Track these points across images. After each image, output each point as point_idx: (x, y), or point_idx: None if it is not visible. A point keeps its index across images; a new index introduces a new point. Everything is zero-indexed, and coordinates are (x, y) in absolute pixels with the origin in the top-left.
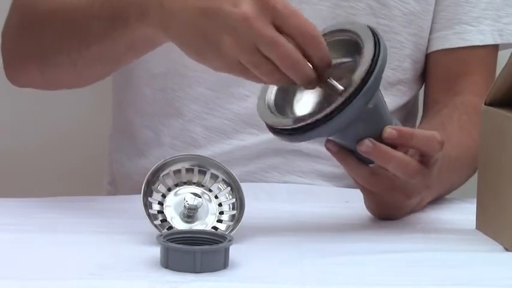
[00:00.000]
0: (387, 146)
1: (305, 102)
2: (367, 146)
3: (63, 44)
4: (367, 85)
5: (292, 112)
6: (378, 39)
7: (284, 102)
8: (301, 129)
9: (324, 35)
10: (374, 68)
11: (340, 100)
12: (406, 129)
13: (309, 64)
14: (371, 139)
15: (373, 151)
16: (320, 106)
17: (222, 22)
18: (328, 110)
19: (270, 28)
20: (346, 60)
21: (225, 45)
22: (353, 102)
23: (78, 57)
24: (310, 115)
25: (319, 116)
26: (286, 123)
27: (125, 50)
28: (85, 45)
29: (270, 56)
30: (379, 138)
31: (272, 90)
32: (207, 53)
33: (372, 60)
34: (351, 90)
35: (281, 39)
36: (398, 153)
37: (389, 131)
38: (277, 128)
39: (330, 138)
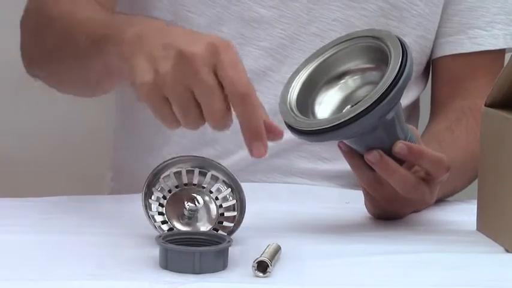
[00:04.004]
0: (394, 158)
1: (326, 105)
2: (374, 156)
3: (55, 52)
4: (389, 97)
5: (313, 112)
6: (406, 51)
7: (306, 102)
8: (319, 132)
9: (351, 39)
10: (398, 81)
11: (359, 109)
12: (417, 147)
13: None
14: (380, 151)
15: (379, 163)
16: (340, 110)
17: (172, 55)
18: (347, 117)
19: (211, 76)
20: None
21: (163, 68)
22: (372, 112)
23: (63, 68)
24: (329, 119)
25: (337, 121)
26: (304, 125)
27: (101, 73)
28: (71, 57)
29: (200, 100)
30: (389, 149)
31: (295, 91)
32: (143, 72)
33: (398, 72)
34: (373, 99)
35: (217, 90)
36: (402, 170)
37: (400, 146)
38: (296, 127)
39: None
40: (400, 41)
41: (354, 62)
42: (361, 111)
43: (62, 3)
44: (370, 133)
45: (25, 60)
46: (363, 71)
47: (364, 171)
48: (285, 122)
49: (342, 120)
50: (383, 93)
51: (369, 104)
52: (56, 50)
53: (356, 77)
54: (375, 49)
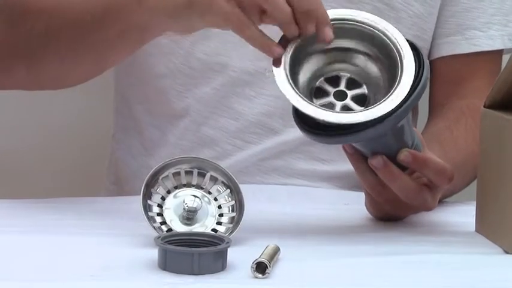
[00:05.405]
0: (398, 165)
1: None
2: (378, 162)
3: (53, 38)
4: (405, 105)
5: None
6: (421, 55)
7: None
8: (330, 134)
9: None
10: (415, 90)
11: (375, 115)
12: (422, 156)
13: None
14: (384, 156)
15: (382, 168)
16: (312, 80)
17: None
18: (362, 119)
19: None
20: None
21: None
22: (386, 121)
23: (66, 51)
24: (340, 125)
25: (350, 125)
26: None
27: (114, 39)
28: (75, 37)
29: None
30: (395, 153)
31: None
32: (207, 9)
33: (414, 82)
34: (388, 108)
35: None
36: (404, 177)
37: (405, 154)
38: (306, 127)
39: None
40: (410, 43)
41: (343, 40)
42: (379, 117)
43: None
44: (379, 138)
45: None
46: (347, 50)
47: (367, 175)
48: (295, 119)
49: (356, 123)
50: (398, 105)
51: (388, 110)
52: (50, 35)
53: (338, 52)
54: (371, 37)
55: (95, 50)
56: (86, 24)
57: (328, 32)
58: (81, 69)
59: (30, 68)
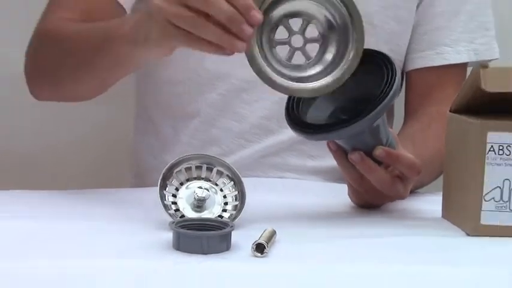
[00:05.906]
0: (375, 160)
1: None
2: (356, 157)
3: (64, 63)
4: (379, 107)
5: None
6: (394, 67)
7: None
8: (316, 131)
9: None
10: (387, 95)
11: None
12: (394, 153)
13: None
14: (361, 152)
15: (360, 162)
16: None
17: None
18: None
19: None
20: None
21: (154, 10)
22: (361, 121)
23: (76, 73)
24: (325, 124)
25: (334, 125)
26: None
27: (112, 66)
28: (79, 62)
29: (206, 11)
30: (371, 151)
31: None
32: (147, 33)
33: (386, 84)
34: (369, 109)
35: None
36: (380, 170)
37: (380, 151)
38: (297, 127)
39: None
40: (386, 56)
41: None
42: (357, 119)
43: (67, 25)
44: (358, 136)
45: (32, 83)
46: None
47: (349, 168)
48: (287, 120)
49: (335, 125)
50: (372, 107)
51: (362, 118)
52: (64, 58)
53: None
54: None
55: (96, 73)
56: (88, 52)
57: (255, 15)
58: (88, 88)
59: (52, 86)
